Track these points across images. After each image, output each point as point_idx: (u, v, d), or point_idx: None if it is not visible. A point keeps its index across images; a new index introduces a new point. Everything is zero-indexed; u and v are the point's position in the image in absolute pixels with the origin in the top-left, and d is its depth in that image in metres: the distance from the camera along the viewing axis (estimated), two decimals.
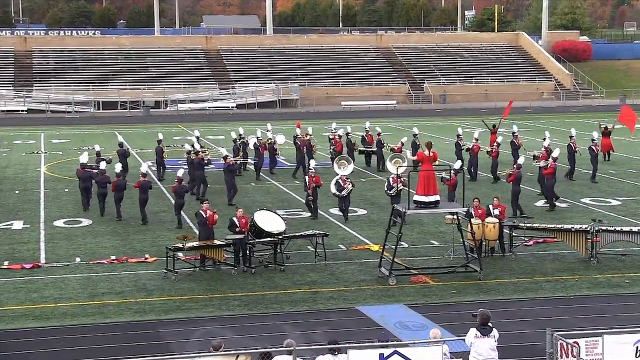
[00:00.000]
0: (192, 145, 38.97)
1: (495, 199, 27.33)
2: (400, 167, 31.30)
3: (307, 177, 32.32)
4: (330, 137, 45.26)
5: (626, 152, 46.17)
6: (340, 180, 31.36)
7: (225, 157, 35.71)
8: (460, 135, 43.40)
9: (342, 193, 31.22)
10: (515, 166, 33.14)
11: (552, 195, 33.28)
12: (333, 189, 31.44)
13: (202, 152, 37.79)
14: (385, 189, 31.26)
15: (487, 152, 40.55)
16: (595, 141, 40.23)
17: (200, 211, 25.30)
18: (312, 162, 34.37)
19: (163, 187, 38.93)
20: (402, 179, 30.52)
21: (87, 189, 33.94)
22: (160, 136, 42.87)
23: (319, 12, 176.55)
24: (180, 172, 31.67)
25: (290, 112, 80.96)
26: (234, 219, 24.87)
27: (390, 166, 32.18)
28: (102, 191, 32.78)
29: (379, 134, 43.79)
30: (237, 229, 24.63)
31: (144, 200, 31.43)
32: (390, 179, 31.00)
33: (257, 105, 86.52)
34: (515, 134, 42.28)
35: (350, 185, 31.32)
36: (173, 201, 35.31)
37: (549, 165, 33.53)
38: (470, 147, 40.23)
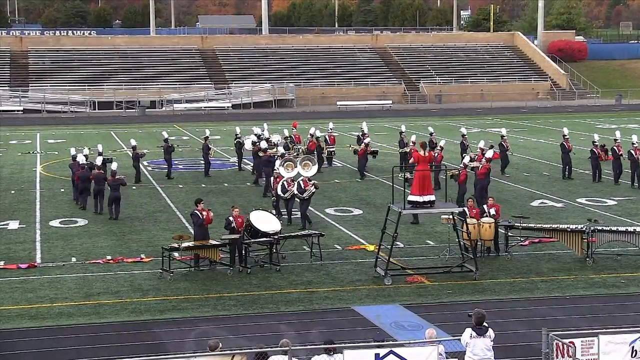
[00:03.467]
0: (258, 140, 39.12)
1: (490, 198, 27.39)
2: (308, 170, 31.07)
3: (271, 179, 32.02)
4: (327, 137, 45.23)
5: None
6: (285, 183, 30.68)
7: (282, 155, 35.94)
8: (403, 132, 43.68)
9: (286, 195, 30.53)
10: (462, 165, 33.01)
11: (482, 195, 31.46)
12: (278, 190, 30.81)
13: (270, 149, 37.91)
14: (280, 191, 30.47)
15: (405, 153, 40.35)
16: (505, 137, 41.07)
17: (196, 211, 25.27)
18: (277, 163, 33.83)
19: (159, 186, 38.95)
20: (312, 182, 30.40)
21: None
22: (207, 133, 43.88)
23: (315, 12, 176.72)
24: (114, 166, 33.27)
25: (285, 112, 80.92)
26: (230, 218, 24.86)
27: (282, 170, 31.36)
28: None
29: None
30: (232, 226, 24.59)
31: (98, 191, 33.11)
32: (285, 183, 30.33)
33: (252, 105, 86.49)
34: (566, 137, 40.79)
35: (295, 188, 30.56)
36: (168, 200, 35.41)
37: (482, 166, 32.99)
38: (408, 150, 39.78)
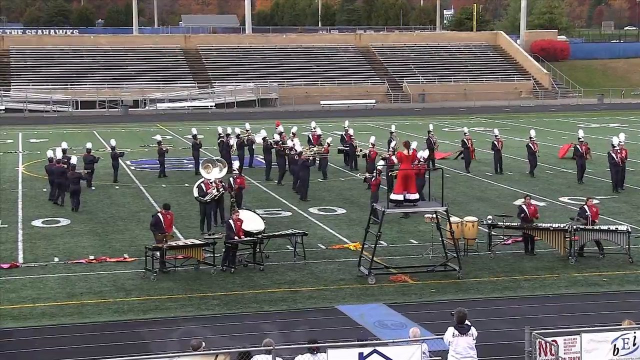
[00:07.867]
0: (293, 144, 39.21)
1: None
2: (209, 172, 30.46)
3: (230, 179, 30.88)
4: (310, 136, 45.21)
5: (604, 150, 46.34)
6: (202, 185, 29.49)
7: (299, 153, 35.82)
8: (431, 131, 43.95)
9: (206, 198, 29.14)
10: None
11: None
12: (195, 193, 29.74)
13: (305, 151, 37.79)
14: (197, 194, 29.42)
15: (363, 155, 40.52)
16: (533, 139, 41.17)
17: (159, 214, 25.15)
18: (236, 164, 33.26)
19: (142, 186, 38.86)
20: (215, 183, 29.44)
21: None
22: (229, 130, 44.44)
23: (298, 11, 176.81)
24: (74, 160, 34.69)
25: (269, 112, 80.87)
26: (230, 221, 24.67)
27: (202, 171, 30.76)
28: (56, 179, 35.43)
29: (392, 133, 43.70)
30: (220, 232, 24.46)
31: (60, 184, 34.48)
32: (203, 185, 29.35)
33: (236, 105, 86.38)
34: (581, 140, 40.38)
35: (215, 190, 29.35)
36: (152, 200, 35.33)
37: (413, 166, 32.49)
38: (367, 153, 39.73)
